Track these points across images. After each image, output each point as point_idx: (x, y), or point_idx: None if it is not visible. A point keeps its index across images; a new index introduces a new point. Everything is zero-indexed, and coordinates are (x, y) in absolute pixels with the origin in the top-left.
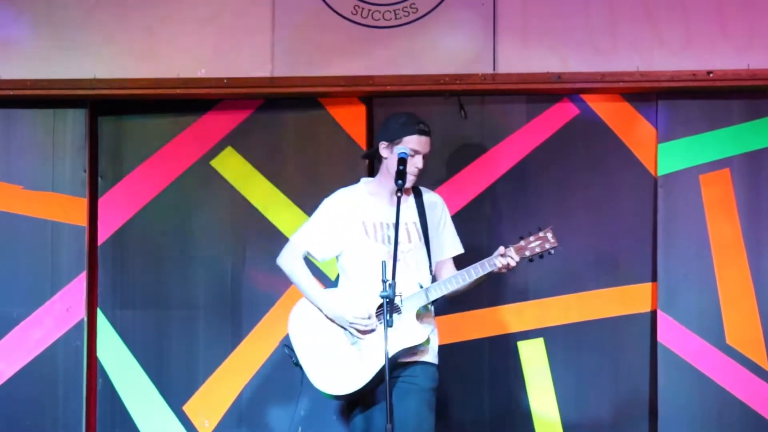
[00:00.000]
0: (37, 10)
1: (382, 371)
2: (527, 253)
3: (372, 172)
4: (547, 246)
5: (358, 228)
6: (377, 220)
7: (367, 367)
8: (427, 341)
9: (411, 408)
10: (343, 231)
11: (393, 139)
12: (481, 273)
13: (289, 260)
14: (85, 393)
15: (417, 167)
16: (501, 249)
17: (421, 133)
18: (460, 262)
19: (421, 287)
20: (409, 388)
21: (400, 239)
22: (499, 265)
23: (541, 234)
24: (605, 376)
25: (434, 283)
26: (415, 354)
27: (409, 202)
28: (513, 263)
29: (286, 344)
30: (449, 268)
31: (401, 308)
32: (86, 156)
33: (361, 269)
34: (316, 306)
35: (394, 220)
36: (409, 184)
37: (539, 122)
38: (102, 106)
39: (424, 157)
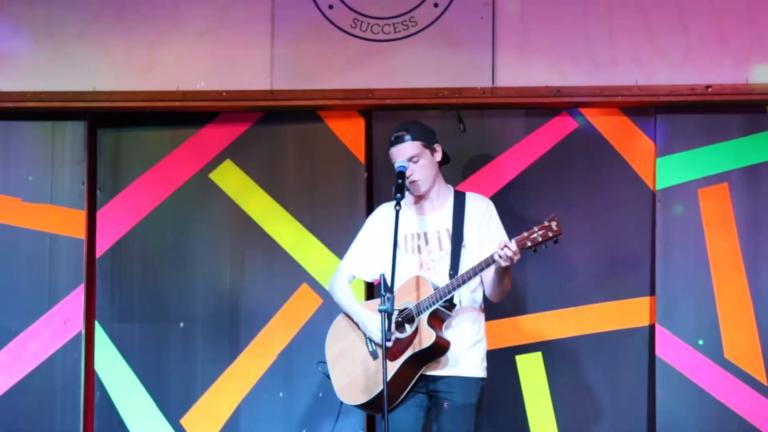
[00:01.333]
0: (37, 22)
1: (397, 379)
2: (529, 243)
3: (371, 185)
4: (551, 234)
5: (390, 242)
6: (408, 232)
7: (379, 379)
8: (436, 346)
9: (444, 427)
10: (381, 247)
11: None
12: (485, 268)
13: (333, 285)
14: (83, 406)
15: (407, 176)
16: (501, 242)
17: (394, 143)
18: None
19: (435, 288)
20: (443, 405)
21: (431, 247)
22: (497, 258)
23: (545, 223)
24: (603, 390)
25: (442, 286)
26: (443, 365)
27: (445, 209)
28: (509, 253)
29: (321, 360)
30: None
31: (415, 316)
32: (85, 168)
33: (398, 281)
34: (352, 317)
35: (423, 230)
36: (415, 191)
37: (538, 136)
38: (101, 119)
39: (415, 160)
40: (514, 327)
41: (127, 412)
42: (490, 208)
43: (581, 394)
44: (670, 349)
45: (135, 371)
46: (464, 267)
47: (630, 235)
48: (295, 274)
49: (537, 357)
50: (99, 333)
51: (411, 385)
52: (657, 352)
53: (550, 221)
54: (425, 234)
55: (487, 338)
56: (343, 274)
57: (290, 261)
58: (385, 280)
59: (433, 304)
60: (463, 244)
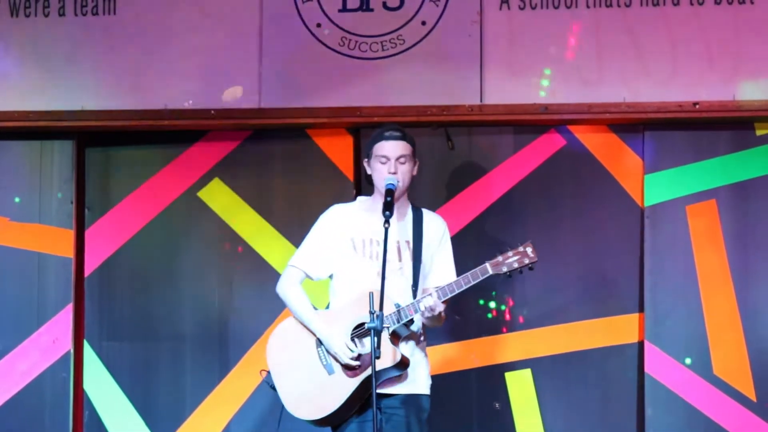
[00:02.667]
0: (25, 42)
1: (354, 397)
2: (504, 269)
3: None
4: (526, 261)
5: (347, 244)
6: (366, 236)
7: (337, 393)
8: (400, 364)
9: None
10: (334, 247)
11: (368, 154)
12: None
13: (284, 286)
14: (72, 425)
15: (390, 172)
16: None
17: (388, 138)
18: None
19: (398, 307)
20: (396, 423)
21: (389, 257)
22: (422, 309)
23: (520, 249)
24: (593, 407)
25: (404, 306)
26: (398, 382)
27: (405, 220)
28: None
29: (264, 369)
30: None
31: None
32: (73, 187)
33: (350, 286)
34: (308, 329)
35: (382, 237)
36: (398, 192)
37: (526, 153)
38: (89, 138)
39: (402, 161)
40: (503, 344)
41: (116, 431)
42: (445, 230)
43: (570, 411)
44: (659, 365)
45: (124, 390)
46: (419, 283)
47: (618, 252)
48: None
49: (526, 374)
50: (88, 352)
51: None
52: (646, 369)
53: (525, 247)
54: (384, 249)
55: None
56: (296, 273)
57: (278, 278)
58: (371, 297)
59: (396, 322)
60: (421, 259)
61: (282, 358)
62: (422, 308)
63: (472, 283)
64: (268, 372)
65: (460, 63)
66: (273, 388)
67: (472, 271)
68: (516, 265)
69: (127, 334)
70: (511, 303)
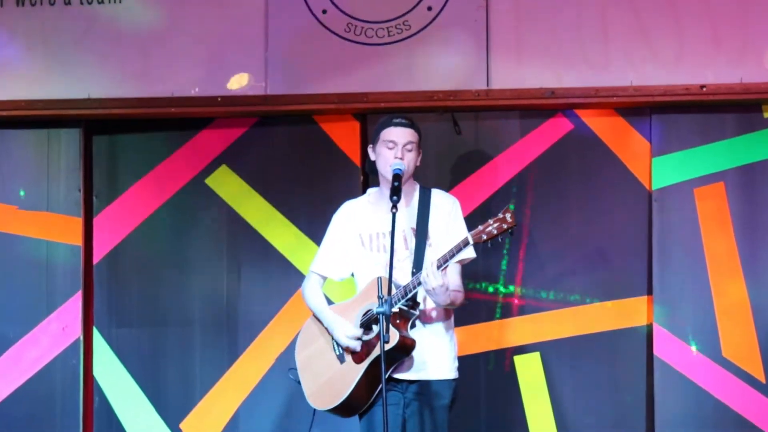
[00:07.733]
0: (31, 31)
1: (363, 383)
2: (484, 237)
3: (367, 188)
4: (505, 226)
5: (356, 240)
6: (373, 230)
7: (346, 380)
8: (400, 346)
9: (419, 429)
10: (348, 246)
11: (374, 140)
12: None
13: (305, 290)
14: (82, 412)
15: (397, 157)
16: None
17: (397, 124)
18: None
19: (397, 287)
20: (414, 409)
21: (397, 247)
22: (423, 280)
23: (499, 215)
24: (602, 389)
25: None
26: (414, 369)
27: (411, 205)
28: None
29: (292, 367)
30: (453, 274)
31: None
32: (81, 175)
33: (362, 281)
34: (324, 324)
35: (390, 229)
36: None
37: (533, 137)
38: (96, 126)
39: (409, 148)
40: (512, 327)
41: (126, 417)
42: (455, 207)
43: (580, 394)
44: (668, 348)
45: (134, 376)
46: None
47: (627, 235)
48: (292, 278)
49: (535, 357)
50: (97, 339)
51: (380, 386)
52: (655, 351)
53: (504, 213)
54: (391, 233)
55: (457, 338)
56: (315, 278)
57: (287, 264)
58: (380, 282)
59: (395, 303)
60: (428, 242)
61: (304, 355)
62: (417, 282)
63: (456, 254)
64: (294, 369)
65: (467, 48)
66: (299, 383)
67: (455, 243)
68: (495, 232)
69: (137, 321)
70: (519, 286)
